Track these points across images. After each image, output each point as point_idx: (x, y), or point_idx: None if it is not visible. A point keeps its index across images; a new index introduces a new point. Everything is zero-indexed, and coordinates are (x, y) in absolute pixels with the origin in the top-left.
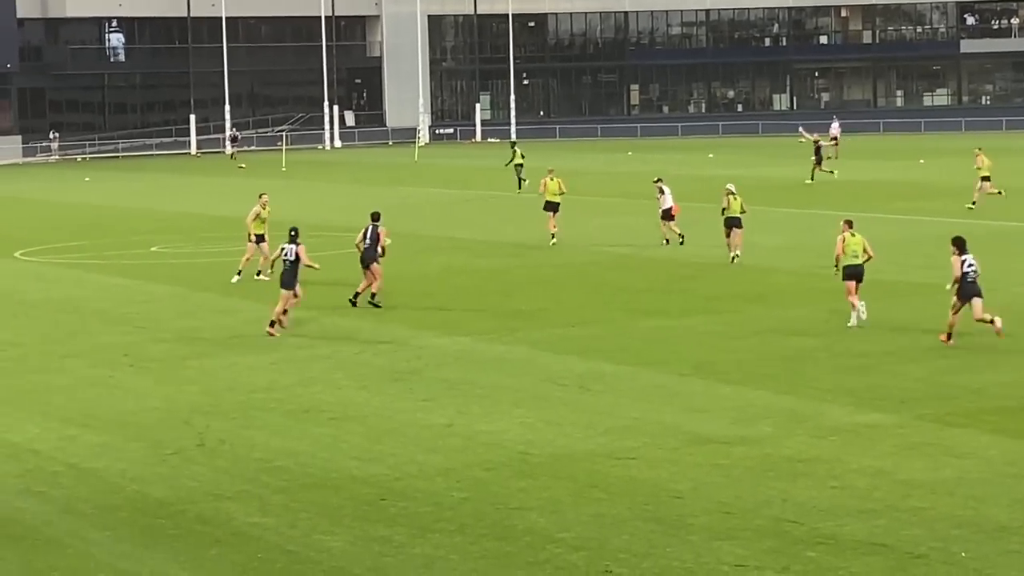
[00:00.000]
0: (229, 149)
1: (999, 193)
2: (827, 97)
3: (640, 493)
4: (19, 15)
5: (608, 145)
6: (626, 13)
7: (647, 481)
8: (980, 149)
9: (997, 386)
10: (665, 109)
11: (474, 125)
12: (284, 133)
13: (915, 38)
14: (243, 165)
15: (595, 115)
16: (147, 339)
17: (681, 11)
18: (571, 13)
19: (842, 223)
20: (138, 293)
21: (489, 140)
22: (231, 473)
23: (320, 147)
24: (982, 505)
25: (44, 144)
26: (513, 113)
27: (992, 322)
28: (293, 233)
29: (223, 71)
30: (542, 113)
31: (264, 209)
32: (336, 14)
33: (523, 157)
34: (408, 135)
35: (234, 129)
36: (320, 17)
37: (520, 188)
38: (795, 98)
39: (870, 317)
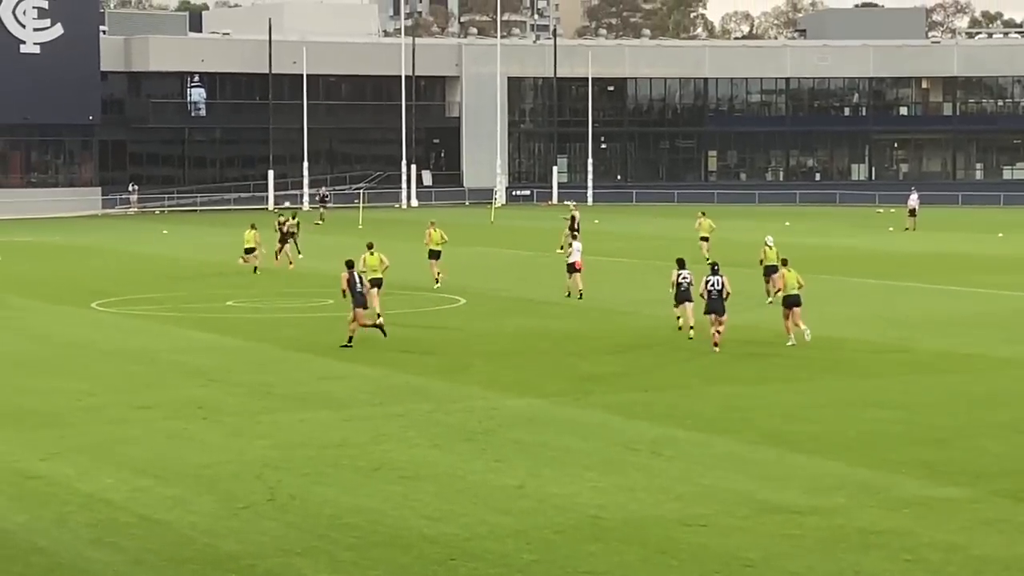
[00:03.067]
0: (320, 210)
1: None
2: (906, 168)
3: (711, 561)
4: (103, 68)
5: (684, 211)
6: (705, 79)
7: (718, 549)
8: None
9: None
10: (743, 176)
11: (551, 187)
12: (362, 191)
13: (996, 111)
14: (320, 221)
15: (672, 180)
16: (221, 392)
17: (761, 79)
18: (650, 78)
19: (781, 262)
20: (213, 346)
21: (565, 203)
22: (301, 529)
23: (397, 206)
24: None
25: (123, 196)
26: (591, 176)
27: (716, 344)
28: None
29: (302, 128)
30: (619, 177)
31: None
32: (416, 74)
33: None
34: (485, 196)
35: (324, 189)
36: (400, 76)
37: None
38: (874, 168)
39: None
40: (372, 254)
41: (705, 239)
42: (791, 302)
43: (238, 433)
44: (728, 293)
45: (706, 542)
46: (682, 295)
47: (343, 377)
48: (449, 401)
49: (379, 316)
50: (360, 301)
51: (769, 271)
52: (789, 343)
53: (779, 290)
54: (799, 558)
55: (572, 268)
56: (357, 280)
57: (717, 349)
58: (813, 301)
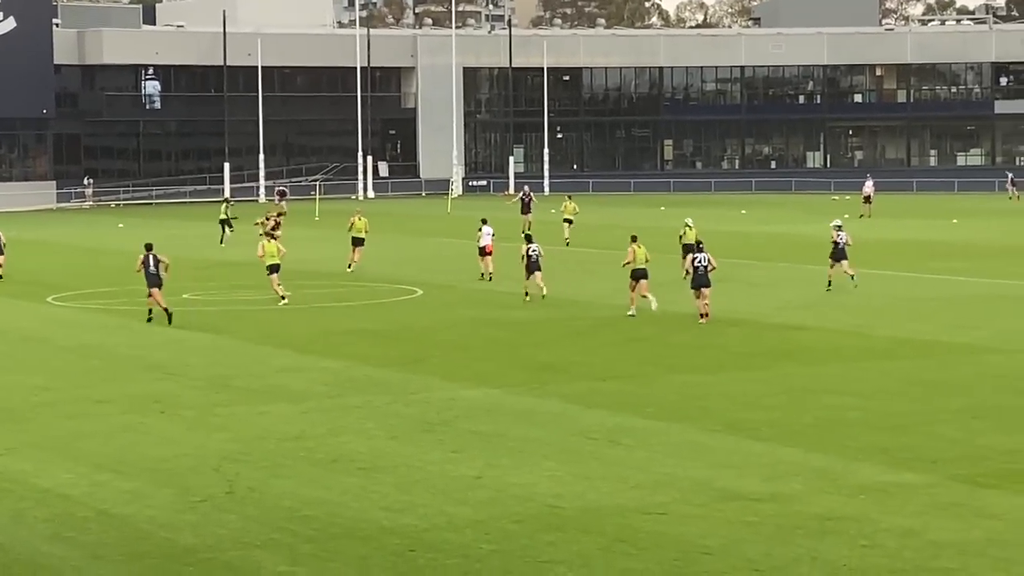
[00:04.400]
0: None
1: None
2: (861, 155)
3: (669, 549)
4: (56, 61)
5: (641, 200)
6: (661, 68)
7: (677, 537)
8: None
9: None
10: (698, 165)
11: (507, 177)
12: (318, 183)
13: (950, 98)
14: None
15: (628, 169)
16: (178, 386)
17: (716, 67)
18: (606, 68)
19: (631, 239)
20: (170, 340)
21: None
22: (260, 521)
23: (353, 197)
24: (1013, 567)
25: (78, 190)
26: (547, 166)
27: (705, 315)
28: None
29: (258, 120)
30: (575, 167)
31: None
32: (372, 65)
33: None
34: (441, 186)
35: (280, 184)
36: (356, 68)
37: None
38: (829, 156)
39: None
40: (270, 242)
41: (568, 221)
42: (638, 275)
43: (196, 426)
44: (714, 267)
45: (664, 530)
46: (699, 279)
47: (301, 369)
48: (407, 392)
49: (284, 297)
50: (153, 282)
51: (687, 249)
52: (630, 313)
53: (628, 263)
54: (757, 545)
55: (483, 251)
56: (151, 262)
57: (703, 321)
58: (769, 287)
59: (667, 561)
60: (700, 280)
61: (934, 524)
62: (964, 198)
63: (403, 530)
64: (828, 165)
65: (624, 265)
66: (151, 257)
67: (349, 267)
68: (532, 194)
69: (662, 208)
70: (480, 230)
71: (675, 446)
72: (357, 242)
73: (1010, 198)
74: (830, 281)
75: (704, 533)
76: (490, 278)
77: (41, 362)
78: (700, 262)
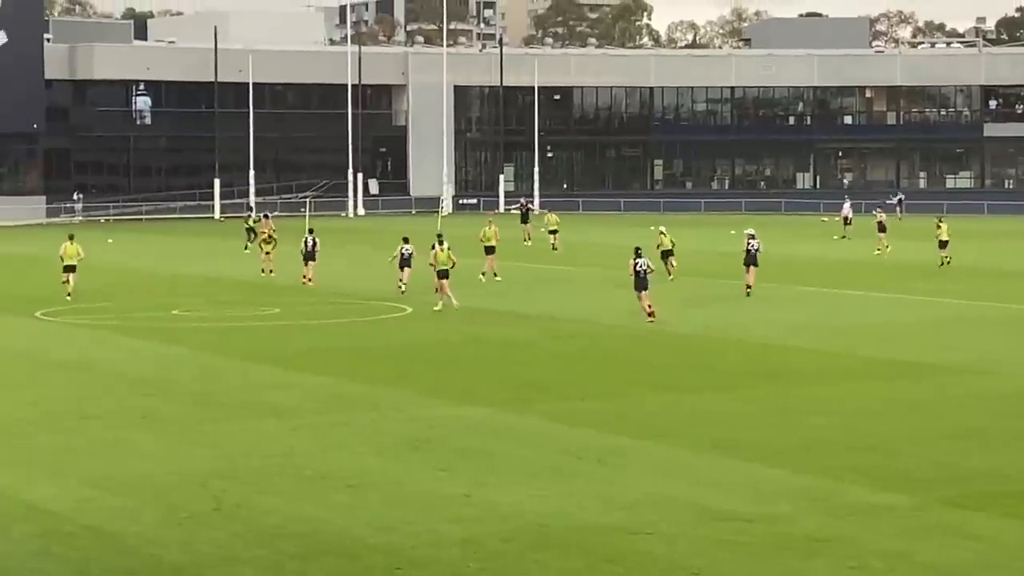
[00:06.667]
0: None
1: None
2: (850, 177)
3: (656, 568)
4: (47, 76)
5: (630, 219)
6: (651, 88)
7: (663, 557)
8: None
9: (1014, 469)
10: (688, 185)
11: (498, 196)
12: (308, 200)
13: (939, 120)
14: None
15: (618, 189)
16: (165, 402)
17: (706, 88)
18: (596, 87)
19: (436, 239)
20: (157, 355)
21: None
22: (246, 538)
23: (343, 214)
24: None
25: (68, 205)
26: (537, 185)
27: (651, 314)
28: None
29: (249, 136)
30: (565, 186)
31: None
32: (363, 82)
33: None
34: (432, 204)
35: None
36: (347, 85)
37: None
38: (818, 177)
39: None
40: (71, 244)
41: (553, 232)
42: (441, 275)
43: (183, 442)
44: (652, 269)
45: (652, 550)
46: (640, 283)
47: (288, 386)
48: (394, 410)
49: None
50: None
51: (665, 255)
52: (436, 308)
53: (432, 265)
54: (744, 566)
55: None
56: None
57: (652, 320)
58: (755, 308)
59: None
60: (641, 283)
61: (921, 546)
62: (953, 220)
63: (390, 548)
64: (817, 186)
65: (429, 265)
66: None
67: (484, 275)
68: (530, 204)
69: (651, 228)
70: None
71: (662, 465)
72: (309, 256)
73: (899, 219)
74: (749, 287)
75: (691, 553)
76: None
77: (28, 377)
78: (641, 266)
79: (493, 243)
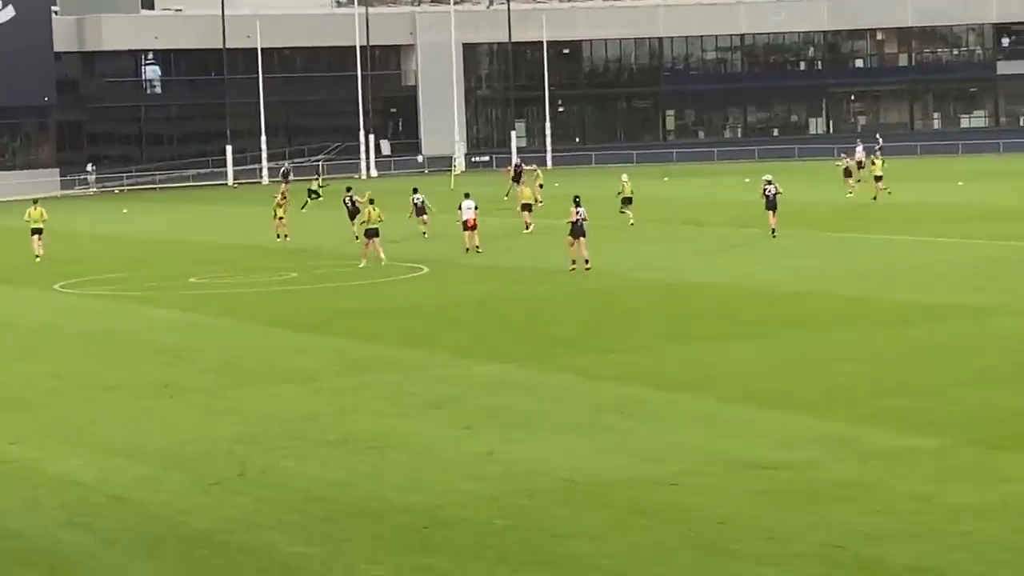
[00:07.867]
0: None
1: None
2: (863, 120)
3: (683, 520)
4: (56, 49)
5: (643, 171)
6: (660, 39)
7: (690, 507)
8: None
9: None
10: (700, 134)
11: (510, 152)
12: (320, 163)
13: (951, 60)
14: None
15: (630, 141)
16: (187, 370)
17: (716, 36)
18: (605, 40)
19: (368, 201)
20: (177, 324)
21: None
22: (273, 503)
23: (356, 176)
24: None
25: (82, 177)
26: (549, 140)
27: (586, 261)
28: None
29: (259, 102)
30: (577, 140)
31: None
32: (371, 43)
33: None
34: (444, 163)
35: (287, 163)
36: (355, 47)
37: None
38: (831, 122)
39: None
40: (35, 208)
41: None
42: (371, 233)
43: (206, 410)
44: (586, 219)
45: (678, 501)
46: (576, 230)
47: (309, 350)
48: (416, 370)
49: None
50: None
51: (625, 202)
52: (361, 265)
53: (364, 222)
54: (772, 513)
55: (466, 226)
56: None
57: (587, 267)
58: (775, 255)
59: (681, 532)
60: (578, 230)
61: (949, 488)
62: (969, 160)
63: (416, 508)
64: (831, 131)
65: (362, 223)
66: None
67: (527, 228)
68: (523, 165)
69: (665, 179)
70: (460, 206)
71: (686, 417)
72: (526, 207)
73: (874, 162)
74: (773, 230)
75: (718, 503)
76: (478, 250)
77: (50, 350)
78: (580, 215)
79: (530, 201)
